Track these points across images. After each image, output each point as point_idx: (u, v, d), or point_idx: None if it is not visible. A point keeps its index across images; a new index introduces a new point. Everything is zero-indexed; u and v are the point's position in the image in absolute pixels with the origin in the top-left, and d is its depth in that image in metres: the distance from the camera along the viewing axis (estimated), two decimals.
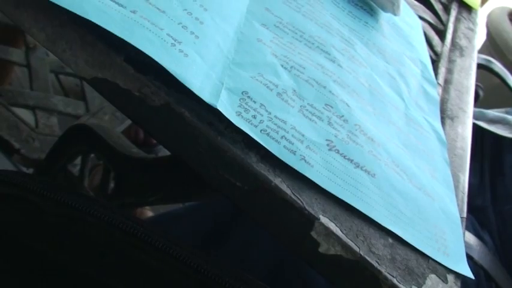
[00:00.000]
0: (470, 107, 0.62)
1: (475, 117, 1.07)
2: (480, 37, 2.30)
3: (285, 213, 0.36)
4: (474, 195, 0.93)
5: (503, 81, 1.28)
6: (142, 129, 0.68)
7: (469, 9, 0.87)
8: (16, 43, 1.02)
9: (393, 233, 0.39)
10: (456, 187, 0.49)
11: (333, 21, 0.53)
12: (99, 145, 0.68)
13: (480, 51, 2.33)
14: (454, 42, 0.73)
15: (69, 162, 0.75)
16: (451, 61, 0.68)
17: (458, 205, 0.47)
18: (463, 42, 0.75)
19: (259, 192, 0.36)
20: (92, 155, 0.74)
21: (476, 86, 1.31)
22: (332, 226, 0.36)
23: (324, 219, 0.36)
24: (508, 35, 2.09)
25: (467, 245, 0.70)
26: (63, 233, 0.38)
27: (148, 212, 1.15)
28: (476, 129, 1.01)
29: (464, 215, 0.47)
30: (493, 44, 2.16)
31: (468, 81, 0.66)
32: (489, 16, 2.23)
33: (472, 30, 0.81)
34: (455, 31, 0.76)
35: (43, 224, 0.39)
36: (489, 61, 1.31)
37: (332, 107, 0.43)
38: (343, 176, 0.39)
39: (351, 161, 0.41)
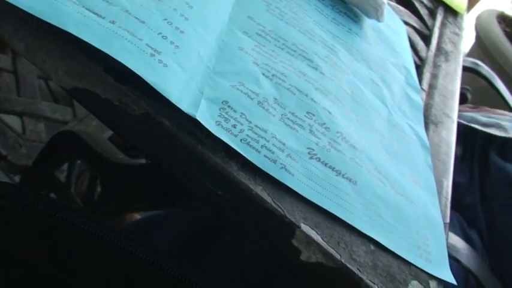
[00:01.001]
0: (454, 112, 0.62)
1: (468, 121, 1.08)
2: (469, 40, 2.32)
3: (266, 222, 0.36)
4: (463, 194, 0.93)
5: (490, 83, 1.29)
6: (122, 138, 0.68)
7: (455, 14, 0.87)
8: (2, 49, 1.02)
9: (375, 240, 0.40)
10: (439, 192, 0.49)
11: (316, 29, 0.53)
12: (86, 151, 0.68)
13: (469, 54, 2.34)
14: (439, 47, 0.73)
15: (56, 169, 0.75)
16: (436, 66, 0.68)
17: (441, 211, 0.47)
18: (448, 46, 0.75)
19: (240, 200, 0.36)
20: (79, 162, 0.74)
21: (464, 88, 1.32)
22: (313, 234, 0.36)
23: (305, 227, 0.36)
24: (497, 38, 2.11)
25: (455, 249, 0.70)
26: (44, 243, 0.38)
27: (138, 215, 1.14)
28: (467, 130, 1.02)
29: (447, 220, 0.47)
30: (482, 47, 2.18)
31: (453, 86, 0.67)
32: (478, 19, 2.24)
33: (457, 34, 0.82)
34: (440, 36, 0.77)
35: (24, 233, 0.39)
36: (476, 64, 1.32)
37: (314, 115, 0.44)
38: (324, 184, 0.40)
39: (333, 168, 0.41)
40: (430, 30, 0.76)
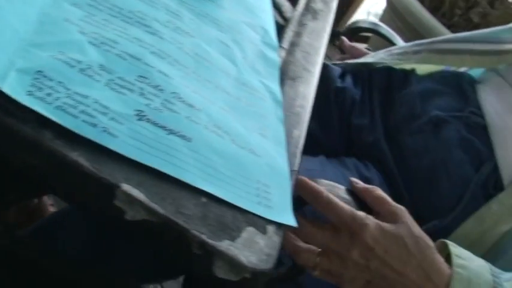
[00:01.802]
0: (317, 67, 0.64)
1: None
2: (381, 3, 2.36)
3: (86, 186, 0.37)
4: (366, 133, 0.95)
5: (390, 41, 1.32)
6: None
7: None
8: None
9: (208, 192, 0.40)
10: (289, 142, 0.51)
11: None
12: None
13: (382, 17, 2.39)
14: (307, 7, 0.75)
15: None
16: (301, 25, 0.69)
17: (289, 159, 0.49)
18: (318, 5, 0.77)
19: (57, 168, 0.36)
20: None
21: (366, 49, 1.35)
22: (135, 192, 0.37)
23: (126, 187, 0.37)
24: None
25: (345, 200, 0.72)
26: None
27: (51, 208, 1.13)
28: (364, 77, 1.03)
29: (296, 168, 0.49)
30: (392, 8, 2.22)
31: (319, 42, 0.68)
32: None
33: None
34: None
35: None
36: (376, 24, 1.35)
37: (147, 78, 0.44)
38: (152, 144, 0.40)
39: (164, 128, 0.42)
40: None
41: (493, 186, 0.82)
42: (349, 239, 0.54)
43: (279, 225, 0.43)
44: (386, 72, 1.02)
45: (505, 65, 0.92)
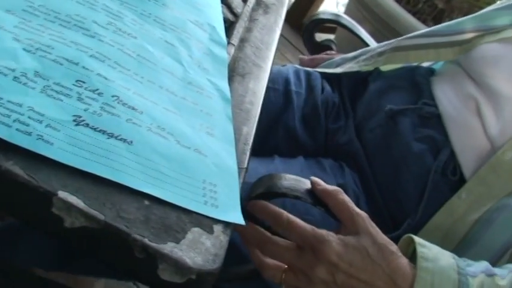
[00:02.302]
0: (268, 62, 0.64)
1: (337, 64, 1.11)
2: None
3: (21, 195, 0.36)
4: (340, 135, 0.97)
5: (352, 32, 1.32)
6: None
7: None
8: None
9: (151, 195, 0.40)
10: (238, 140, 0.50)
11: None
12: None
13: (348, 7, 2.40)
14: (259, 1, 0.74)
15: None
16: (252, 20, 0.69)
17: (237, 157, 0.49)
18: (270, 0, 0.77)
19: None
20: None
21: (328, 40, 1.36)
22: (73, 199, 0.36)
23: (63, 194, 0.36)
24: None
25: None
26: None
27: None
28: (335, 81, 1.05)
29: (245, 165, 0.49)
30: None
31: (270, 37, 0.68)
32: None
33: None
34: None
35: None
36: (337, 15, 1.35)
37: (85, 82, 0.43)
38: (91, 149, 0.39)
39: (104, 132, 0.41)
40: None
41: (452, 172, 0.83)
42: (312, 257, 0.55)
43: (227, 224, 0.42)
44: (353, 75, 1.04)
45: (464, 54, 0.93)
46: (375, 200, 0.89)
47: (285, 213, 0.56)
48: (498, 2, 0.98)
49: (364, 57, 1.05)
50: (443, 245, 0.77)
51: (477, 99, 0.85)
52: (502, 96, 0.82)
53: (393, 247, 0.58)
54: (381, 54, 1.01)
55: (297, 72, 1.05)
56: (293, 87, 1.00)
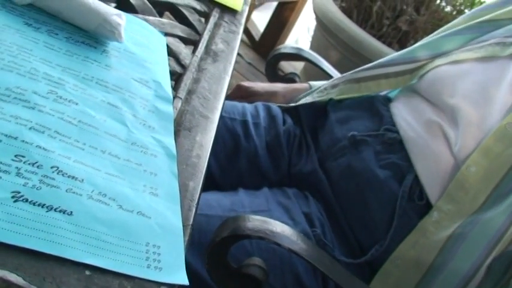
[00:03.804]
0: (216, 112, 0.65)
1: (297, 100, 1.14)
2: (312, 22, 2.41)
3: None
4: (303, 165, 0.99)
5: (314, 64, 1.35)
6: None
7: (233, 12, 0.91)
8: None
9: (92, 265, 0.41)
10: (184, 196, 0.51)
11: (42, 66, 0.54)
12: None
13: (314, 34, 2.44)
14: (207, 50, 0.76)
15: None
16: (200, 70, 0.71)
17: (183, 214, 0.50)
18: (219, 47, 0.78)
19: None
20: None
21: (292, 73, 1.38)
22: (13, 277, 0.37)
23: (2, 273, 0.37)
24: (334, 15, 2.21)
25: (272, 234, 0.72)
26: None
27: None
28: (294, 114, 1.08)
29: (190, 222, 0.50)
30: (322, 26, 2.27)
31: (219, 85, 0.70)
32: (314, 1, 2.34)
33: (233, 32, 0.85)
34: (211, 38, 0.80)
35: None
36: (298, 49, 1.38)
37: (24, 157, 0.44)
38: (30, 224, 0.40)
39: (43, 205, 0.42)
40: (200, 35, 0.79)
41: (419, 197, 0.84)
42: None
43: (171, 286, 0.43)
44: (310, 106, 1.07)
45: (417, 79, 0.96)
46: (341, 228, 0.90)
47: None
48: (444, 28, 1.01)
49: (317, 90, 1.08)
50: (418, 264, 0.79)
51: (439, 123, 0.87)
52: (460, 114, 0.85)
53: None
54: (334, 86, 1.04)
55: (255, 107, 1.07)
56: (250, 119, 1.02)
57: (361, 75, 1.01)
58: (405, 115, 0.93)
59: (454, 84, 0.89)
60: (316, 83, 1.19)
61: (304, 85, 1.21)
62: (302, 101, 1.09)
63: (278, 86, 1.22)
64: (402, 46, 2.31)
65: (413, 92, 0.98)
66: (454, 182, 0.80)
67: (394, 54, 1.03)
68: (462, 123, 0.84)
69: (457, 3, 2.40)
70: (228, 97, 1.18)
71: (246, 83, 1.21)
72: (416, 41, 2.32)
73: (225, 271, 0.72)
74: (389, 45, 2.25)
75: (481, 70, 0.88)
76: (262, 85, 1.22)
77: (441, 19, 2.36)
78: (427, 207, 0.83)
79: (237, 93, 1.19)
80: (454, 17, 2.20)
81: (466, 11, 2.35)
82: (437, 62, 0.93)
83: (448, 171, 0.83)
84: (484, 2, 2.24)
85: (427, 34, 2.24)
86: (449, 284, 0.77)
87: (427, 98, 0.93)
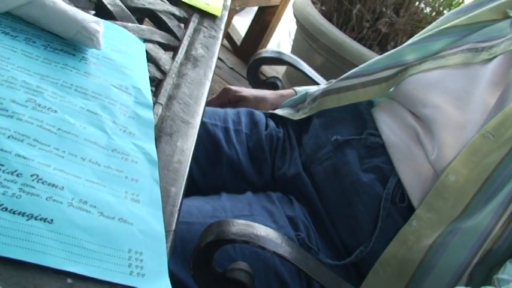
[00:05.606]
0: (197, 117, 0.65)
1: (282, 106, 1.15)
2: (293, 27, 2.42)
3: None
4: (287, 169, 0.99)
5: (295, 67, 1.35)
6: None
7: (213, 17, 0.91)
8: None
9: (74, 272, 0.41)
10: (166, 202, 0.51)
11: (20, 75, 0.54)
12: None
13: (295, 38, 2.45)
14: (187, 55, 0.76)
15: None
16: (181, 75, 0.71)
17: (165, 219, 0.49)
18: (199, 52, 0.78)
19: None
20: None
21: (274, 78, 1.39)
22: None
23: None
24: (314, 18, 2.22)
25: (257, 238, 0.72)
26: None
27: None
28: (278, 118, 1.08)
29: (173, 228, 0.50)
30: (303, 30, 2.28)
31: (199, 90, 0.70)
32: (294, 5, 2.35)
33: (213, 37, 0.85)
34: (191, 43, 0.80)
35: None
36: (279, 53, 1.38)
37: (3, 165, 0.44)
38: (11, 233, 0.40)
39: (23, 214, 0.42)
40: (180, 40, 0.79)
41: (400, 199, 0.85)
42: None
43: None
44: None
45: (393, 87, 0.97)
46: (326, 231, 0.90)
47: None
48: (410, 40, 1.02)
49: (301, 104, 1.09)
50: (401, 274, 0.79)
51: (416, 128, 0.88)
52: (435, 123, 0.85)
53: None
54: (314, 100, 1.05)
55: (237, 112, 1.07)
56: (231, 125, 1.03)
57: (339, 85, 1.02)
58: (387, 120, 0.94)
59: (426, 94, 0.90)
60: (300, 89, 1.19)
61: (290, 91, 1.21)
62: (286, 114, 1.09)
63: (266, 92, 1.22)
64: (382, 48, 2.33)
65: (393, 98, 0.99)
66: (433, 190, 0.80)
67: (364, 64, 1.04)
68: (437, 133, 0.84)
69: (436, 5, 2.42)
70: (214, 100, 1.19)
71: (234, 87, 1.21)
72: (396, 43, 2.35)
73: (211, 276, 0.72)
74: (370, 47, 2.26)
75: (454, 78, 0.89)
76: (250, 91, 1.22)
77: (420, 20, 2.38)
78: (410, 209, 0.83)
79: (224, 97, 1.19)
80: (434, 18, 2.23)
81: (445, 12, 2.38)
82: (410, 71, 0.94)
83: (428, 177, 0.84)
84: (463, 2, 2.27)
85: (408, 36, 2.27)
86: None
87: (404, 106, 0.94)
